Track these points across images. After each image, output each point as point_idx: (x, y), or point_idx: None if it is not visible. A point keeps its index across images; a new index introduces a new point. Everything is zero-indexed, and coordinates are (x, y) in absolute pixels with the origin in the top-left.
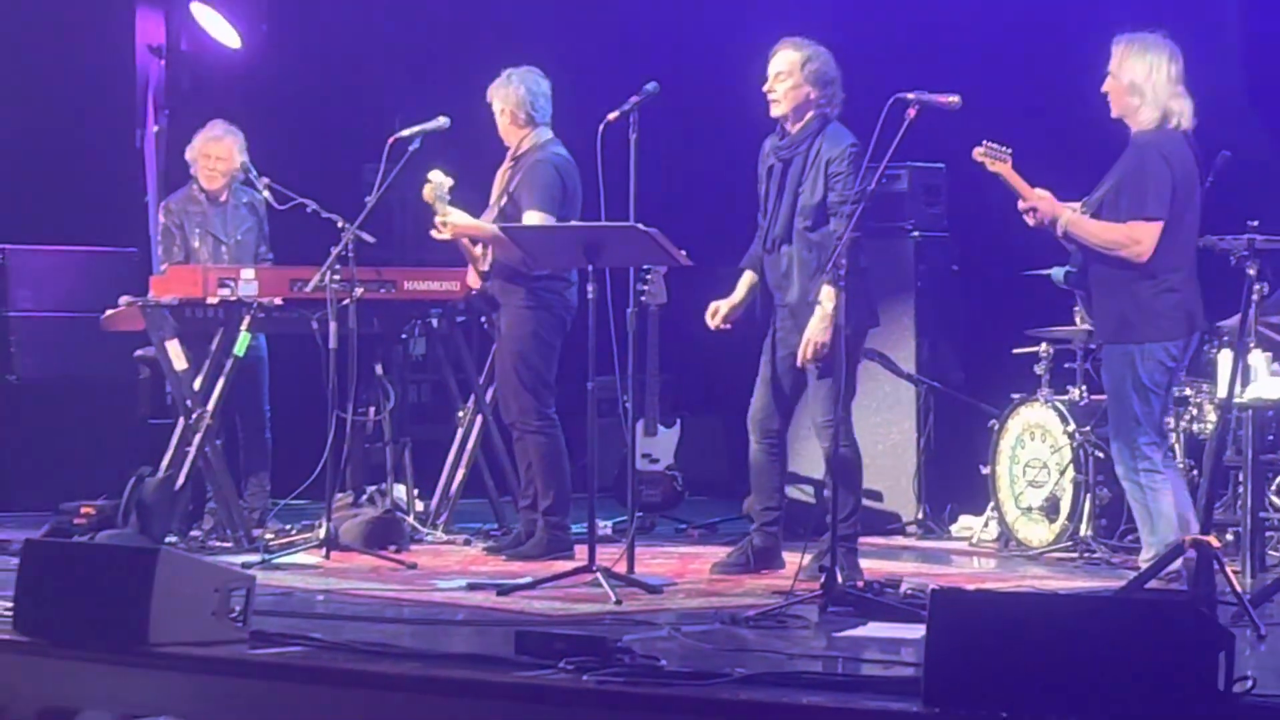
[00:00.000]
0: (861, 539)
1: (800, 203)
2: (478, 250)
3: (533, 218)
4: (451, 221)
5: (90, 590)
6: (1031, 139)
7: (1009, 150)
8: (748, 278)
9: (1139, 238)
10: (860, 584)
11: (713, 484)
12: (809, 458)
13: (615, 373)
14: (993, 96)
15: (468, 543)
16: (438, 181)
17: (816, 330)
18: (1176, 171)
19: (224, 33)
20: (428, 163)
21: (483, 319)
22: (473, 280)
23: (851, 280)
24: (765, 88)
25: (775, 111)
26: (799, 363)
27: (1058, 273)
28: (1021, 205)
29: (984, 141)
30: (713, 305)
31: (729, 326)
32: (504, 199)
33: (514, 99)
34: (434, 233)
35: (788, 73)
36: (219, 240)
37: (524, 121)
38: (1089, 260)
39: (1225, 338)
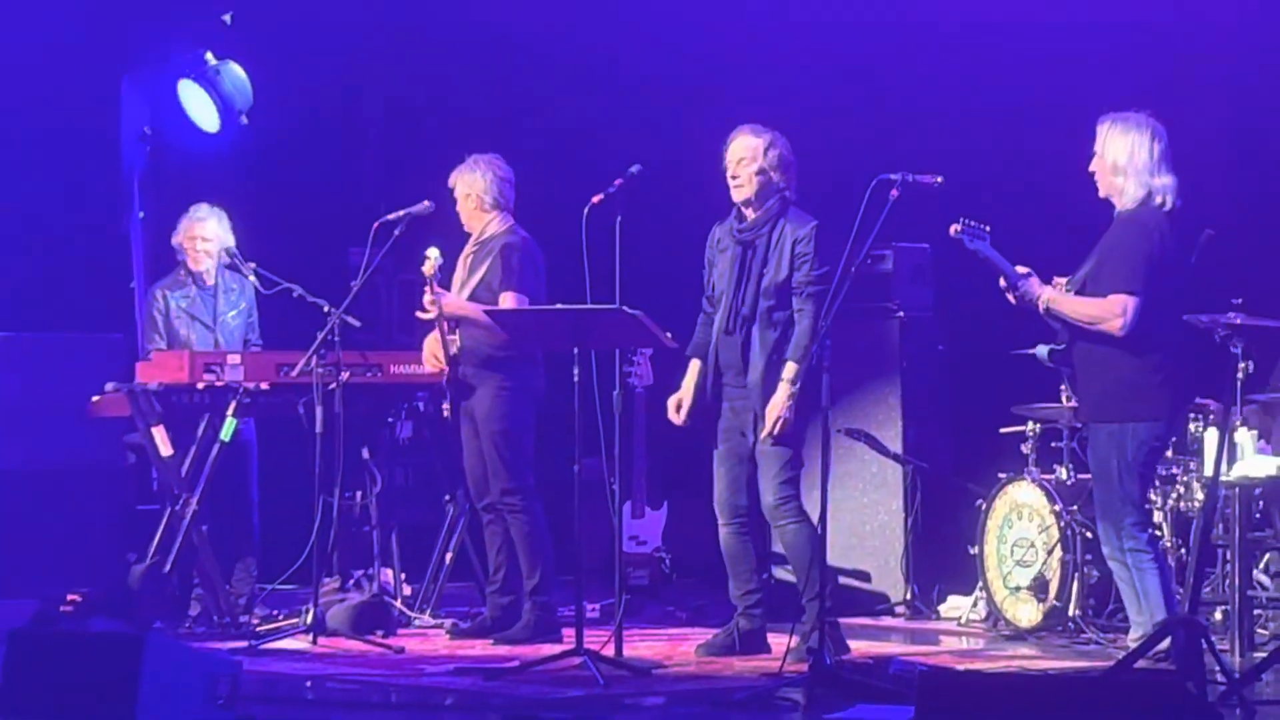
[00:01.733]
0: (850, 619)
1: (764, 284)
2: (451, 336)
3: (509, 299)
4: (444, 302)
5: (77, 677)
6: (1016, 217)
7: (987, 228)
8: (696, 366)
9: (1117, 311)
10: (846, 659)
11: (701, 566)
12: None
13: (602, 455)
14: (977, 176)
15: (455, 627)
16: (435, 257)
17: (783, 406)
18: (1157, 248)
19: (205, 116)
20: (413, 245)
21: (444, 405)
22: (430, 364)
23: (817, 362)
24: (729, 173)
25: (738, 196)
26: (763, 436)
27: (1042, 350)
28: (1002, 283)
29: (960, 218)
30: (674, 400)
31: (689, 421)
32: (474, 284)
33: (479, 185)
34: (420, 313)
35: (750, 158)
36: (207, 326)
37: (489, 206)
38: (1074, 338)
39: (1211, 416)
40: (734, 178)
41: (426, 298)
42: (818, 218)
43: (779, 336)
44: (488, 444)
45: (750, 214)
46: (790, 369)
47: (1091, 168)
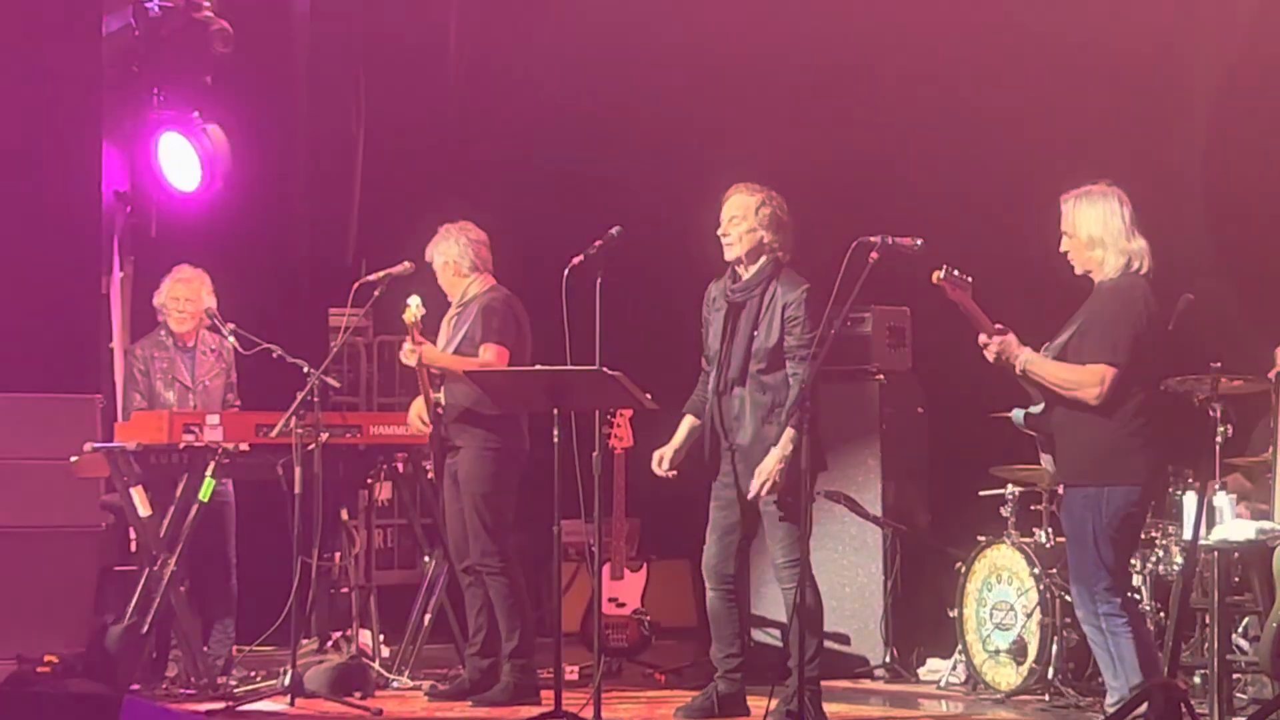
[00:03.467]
0: (829, 682)
1: (755, 346)
2: (435, 394)
3: (489, 351)
4: (423, 351)
5: None
6: (996, 282)
7: (970, 279)
8: (688, 421)
9: (1095, 380)
10: None
11: (680, 628)
12: (773, 600)
13: (581, 516)
14: (957, 240)
15: (434, 689)
16: (416, 305)
17: (773, 470)
18: (1143, 320)
19: (185, 173)
20: (392, 306)
21: (426, 464)
22: (415, 426)
23: (811, 424)
24: (720, 231)
25: (730, 255)
26: (750, 496)
27: (1017, 415)
28: (981, 340)
29: (944, 265)
30: (657, 453)
31: (674, 473)
32: (458, 340)
33: (454, 251)
34: (402, 355)
35: (741, 216)
36: (186, 386)
37: (467, 270)
38: (1052, 401)
39: (1190, 480)
40: (725, 235)
41: (407, 345)
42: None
43: (769, 400)
44: (468, 505)
45: (743, 273)
46: (789, 434)
47: (1064, 248)
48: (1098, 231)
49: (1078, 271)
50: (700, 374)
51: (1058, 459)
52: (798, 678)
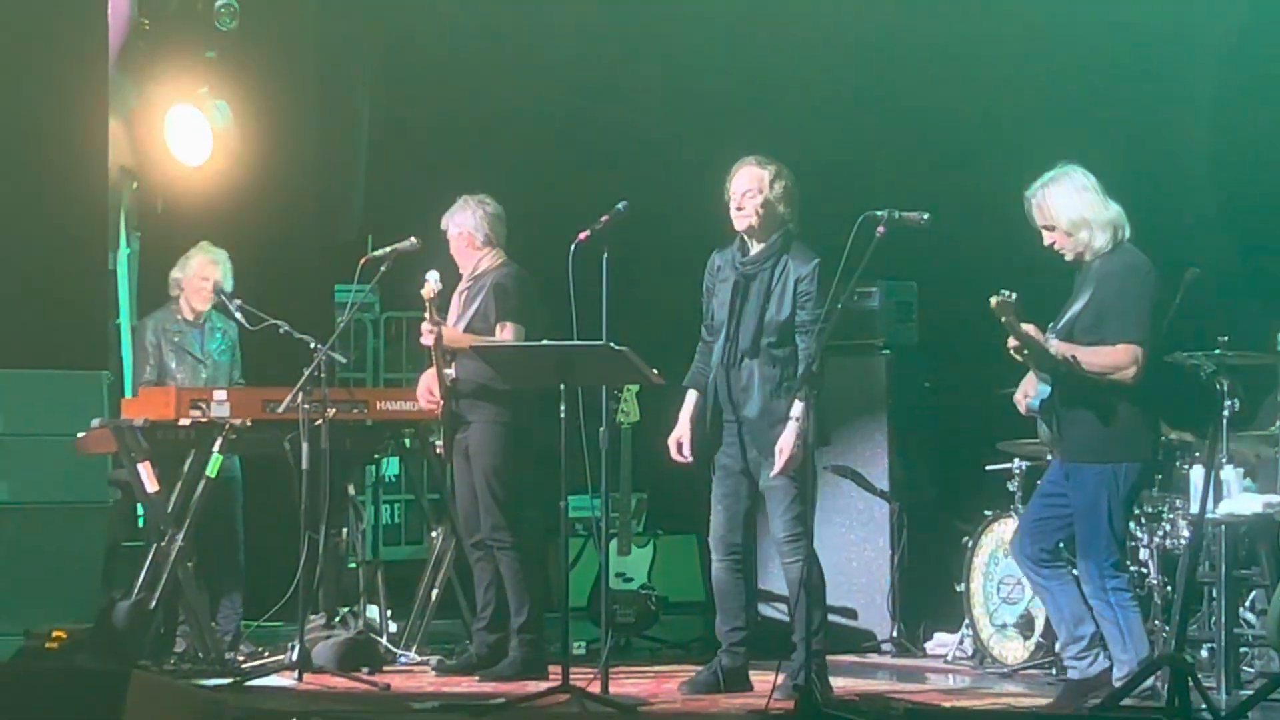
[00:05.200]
0: (837, 657)
1: (766, 320)
2: (447, 369)
3: (508, 329)
4: (444, 332)
5: (61, 714)
6: (1003, 257)
7: (1014, 295)
8: (693, 397)
9: (1130, 361)
10: (833, 697)
11: (687, 602)
12: (779, 575)
13: (589, 491)
14: (964, 214)
15: (441, 664)
16: (434, 280)
17: (792, 443)
18: (1153, 293)
19: (194, 146)
20: (399, 282)
21: (435, 441)
22: (425, 400)
23: (804, 397)
24: (734, 203)
25: (742, 226)
26: (773, 474)
27: (1034, 403)
28: (1011, 344)
29: (999, 291)
30: (674, 439)
31: (692, 459)
32: (470, 316)
33: (470, 222)
34: (422, 337)
35: (757, 189)
36: (197, 360)
37: (480, 243)
38: (1059, 381)
39: (1197, 454)
40: (740, 209)
41: (426, 324)
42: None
43: (779, 373)
44: (480, 479)
45: (754, 245)
46: (798, 407)
47: (1049, 241)
48: (1077, 214)
49: (1069, 258)
50: (699, 344)
51: (1066, 437)
52: (804, 651)
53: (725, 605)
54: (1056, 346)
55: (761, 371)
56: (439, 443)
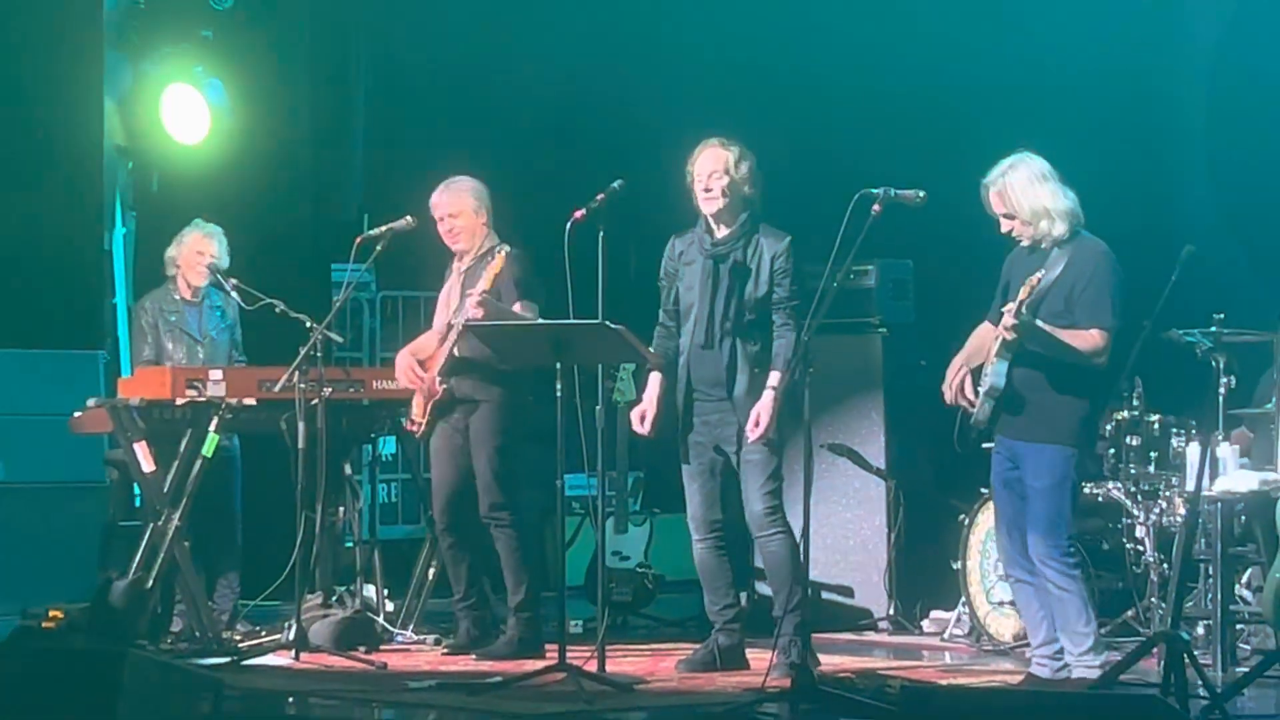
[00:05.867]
0: (833, 634)
1: (746, 297)
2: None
3: (529, 310)
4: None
5: (58, 693)
6: (1000, 235)
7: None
8: (658, 378)
9: (1100, 347)
10: (831, 674)
11: (684, 581)
12: None
13: (585, 470)
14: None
15: (438, 642)
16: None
17: (770, 409)
18: (1121, 279)
19: (191, 124)
20: (394, 261)
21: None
22: (408, 378)
23: (800, 377)
24: (701, 185)
25: (711, 209)
26: (753, 439)
27: (1000, 379)
28: (1008, 321)
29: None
30: (638, 412)
31: (654, 432)
32: (477, 294)
33: (471, 203)
34: (471, 310)
35: (723, 171)
36: (195, 339)
37: (485, 221)
38: (1023, 363)
39: (1193, 430)
40: (707, 190)
41: (477, 296)
42: (802, 232)
43: (760, 350)
44: (484, 459)
45: (722, 228)
46: (775, 376)
47: (1007, 229)
48: (1038, 203)
49: (1025, 244)
50: (657, 328)
51: (1028, 417)
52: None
53: (713, 584)
54: (1045, 328)
55: (744, 350)
56: (410, 421)
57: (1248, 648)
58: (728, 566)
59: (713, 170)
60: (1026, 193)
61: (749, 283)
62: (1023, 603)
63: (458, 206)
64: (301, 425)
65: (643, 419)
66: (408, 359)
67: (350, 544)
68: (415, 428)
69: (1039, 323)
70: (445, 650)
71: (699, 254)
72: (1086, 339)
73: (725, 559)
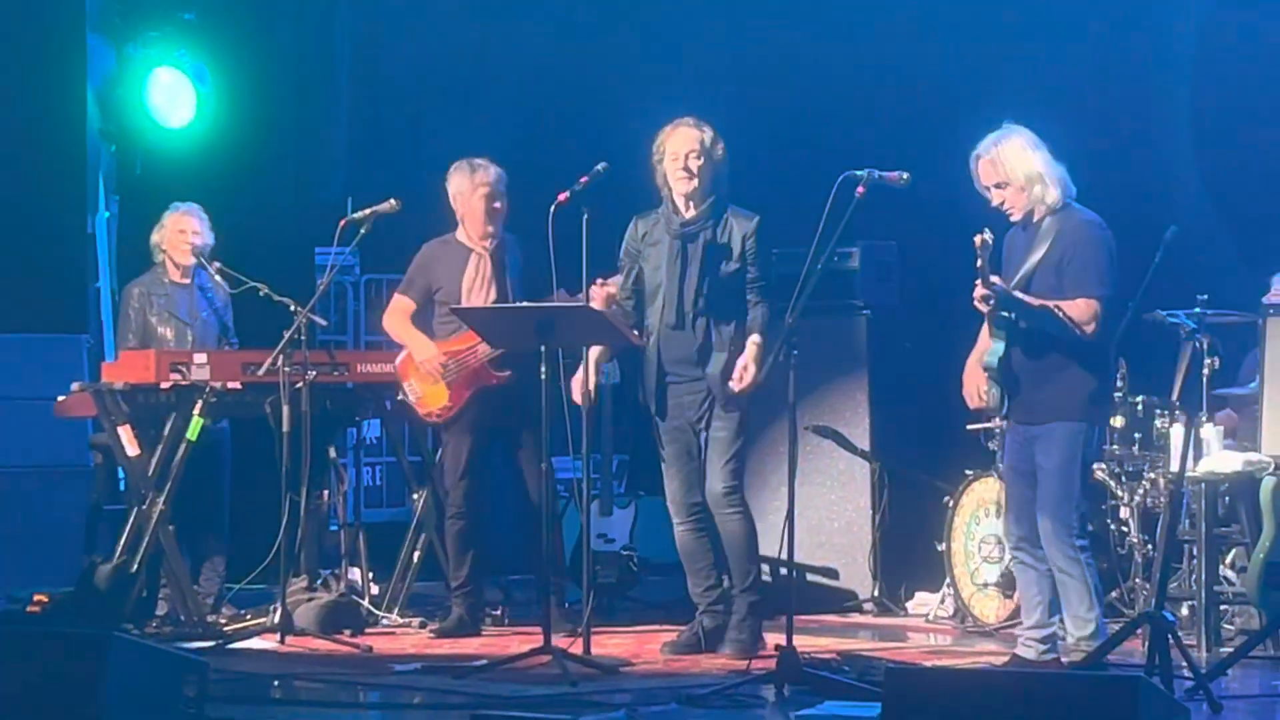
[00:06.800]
0: (817, 616)
1: (720, 276)
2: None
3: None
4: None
5: (42, 677)
6: (985, 217)
7: (992, 239)
8: (597, 353)
9: (1090, 316)
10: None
11: (669, 564)
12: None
13: (570, 453)
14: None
15: (423, 625)
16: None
17: (755, 359)
18: (1112, 248)
19: (176, 108)
20: (378, 243)
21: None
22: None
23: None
24: (677, 164)
25: (687, 188)
26: (737, 389)
27: (992, 360)
28: (979, 293)
29: (983, 229)
30: (578, 380)
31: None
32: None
33: (495, 180)
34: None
35: (699, 151)
36: (184, 322)
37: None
38: (1021, 338)
39: (1177, 411)
40: (685, 169)
41: (608, 287)
42: (786, 215)
43: (733, 330)
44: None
45: (691, 208)
46: (755, 337)
47: (997, 201)
48: (1032, 168)
49: (1016, 218)
50: (612, 307)
51: (1032, 397)
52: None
53: (694, 567)
54: (1028, 299)
55: (719, 330)
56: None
57: (1232, 628)
58: (708, 548)
59: (690, 149)
60: (1020, 158)
61: (721, 262)
62: (1023, 584)
63: (498, 185)
64: (286, 409)
65: (586, 394)
66: (438, 355)
67: (335, 527)
68: (437, 417)
69: (1014, 292)
70: (431, 634)
71: (665, 234)
72: (1071, 307)
73: (706, 541)
